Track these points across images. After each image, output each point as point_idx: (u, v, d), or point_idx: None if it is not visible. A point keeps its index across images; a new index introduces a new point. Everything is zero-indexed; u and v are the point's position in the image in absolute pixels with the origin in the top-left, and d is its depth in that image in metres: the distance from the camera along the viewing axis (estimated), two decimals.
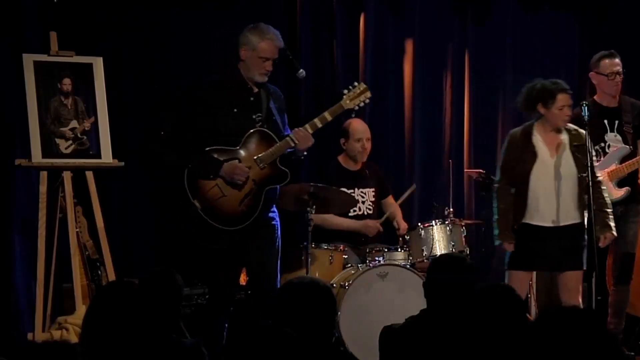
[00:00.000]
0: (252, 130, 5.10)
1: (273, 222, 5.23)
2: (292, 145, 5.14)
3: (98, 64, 5.64)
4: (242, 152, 5.10)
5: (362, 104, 5.34)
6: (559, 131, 5.22)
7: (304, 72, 5.40)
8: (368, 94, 5.33)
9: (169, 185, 6.42)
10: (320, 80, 6.83)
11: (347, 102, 5.29)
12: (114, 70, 5.94)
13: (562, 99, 5.14)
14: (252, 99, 5.17)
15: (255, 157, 5.10)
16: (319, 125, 5.20)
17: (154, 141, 5.14)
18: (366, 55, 6.96)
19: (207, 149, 5.06)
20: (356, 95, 5.31)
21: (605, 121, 5.74)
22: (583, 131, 5.18)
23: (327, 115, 5.22)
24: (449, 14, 7.23)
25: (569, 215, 5.16)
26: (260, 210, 5.10)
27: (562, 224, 5.14)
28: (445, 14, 7.22)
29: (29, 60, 5.46)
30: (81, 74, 5.60)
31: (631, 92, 6.74)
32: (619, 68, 5.82)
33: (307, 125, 5.19)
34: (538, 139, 5.19)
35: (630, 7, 7.23)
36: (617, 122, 5.65)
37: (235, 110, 5.11)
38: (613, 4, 7.31)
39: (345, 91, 5.32)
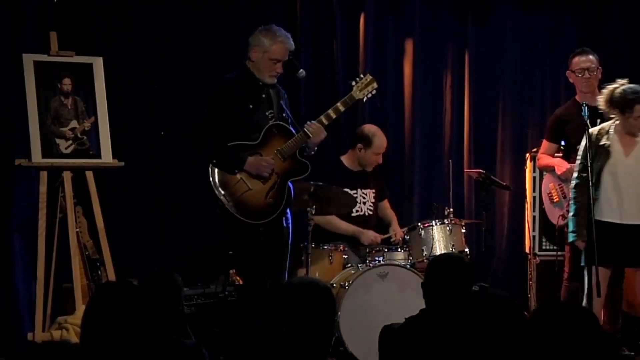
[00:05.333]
0: (269, 125, 5.17)
1: (287, 224, 5.28)
2: (307, 138, 5.18)
3: (98, 64, 5.65)
4: (263, 146, 5.15)
5: (370, 95, 5.37)
6: (635, 135, 5.25)
7: (304, 72, 5.42)
8: (375, 85, 5.36)
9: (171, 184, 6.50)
10: (320, 80, 6.84)
11: (358, 92, 5.33)
12: (114, 70, 5.94)
13: (639, 109, 5.17)
14: (264, 96, 5.23)
15: (276, 150, 5.15)
16: (333, 116, 5.26)
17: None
18: (366, 56, 6.95)
19: (229, 144, 5.10)
20: (364, 86, 5.34)
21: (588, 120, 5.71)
22: None
23: (340, 106, 5.28)
24: (449, 14, 7.22)
25: (635, 215, 5.20)
26: (285, 202, 5.15)
27: (627, 222, 5.16)
28: (445, 14, 7.21)
29: (29, 60, 5.47)
30: (81, 74, 5.61)
31: None
32: (590, 64, 5.85)
33: (321, 117, 5.24)
34: (614, 138, 5.23)
35: (630, 7, 7.22)
36: (598, 120, 5.52)
37: (250, 106, 5.16)
38: (613, 4, 7.30)
39: (353, 83, 5.35)
